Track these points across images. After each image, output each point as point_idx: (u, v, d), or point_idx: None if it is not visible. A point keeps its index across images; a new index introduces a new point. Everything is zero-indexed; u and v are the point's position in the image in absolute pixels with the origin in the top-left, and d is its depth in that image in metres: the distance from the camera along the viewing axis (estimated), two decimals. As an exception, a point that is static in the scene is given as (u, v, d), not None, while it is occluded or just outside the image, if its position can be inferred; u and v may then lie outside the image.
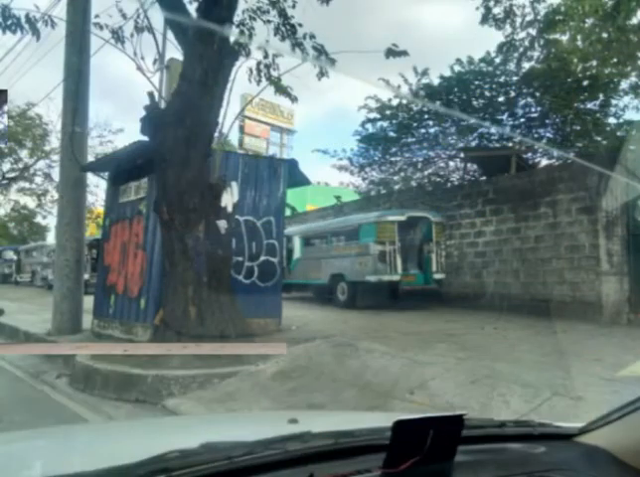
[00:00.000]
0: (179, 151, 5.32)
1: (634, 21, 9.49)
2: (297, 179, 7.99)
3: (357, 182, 16.30)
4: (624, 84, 11.75)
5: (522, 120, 12.90)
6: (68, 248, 7.44)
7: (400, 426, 0.94)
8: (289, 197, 8.80)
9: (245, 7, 7.16)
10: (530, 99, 12.48)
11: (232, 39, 6.06)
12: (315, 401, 4.12)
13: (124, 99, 64.46)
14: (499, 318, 8.16)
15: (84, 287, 7.83)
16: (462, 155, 13.56)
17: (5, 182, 25.07)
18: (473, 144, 13.38)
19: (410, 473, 0.94)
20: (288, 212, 13.89)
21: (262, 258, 7.28)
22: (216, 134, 6.13)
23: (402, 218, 10.20)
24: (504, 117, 12.95)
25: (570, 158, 10.95)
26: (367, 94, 16.30)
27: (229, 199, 5.81)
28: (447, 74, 12.52)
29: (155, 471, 0.85)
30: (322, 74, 6.78)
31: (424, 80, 12.83)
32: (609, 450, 1.15)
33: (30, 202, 27.28)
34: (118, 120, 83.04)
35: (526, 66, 11.81)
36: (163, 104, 6.08)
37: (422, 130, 13.73)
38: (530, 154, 12.90)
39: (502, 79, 12.38)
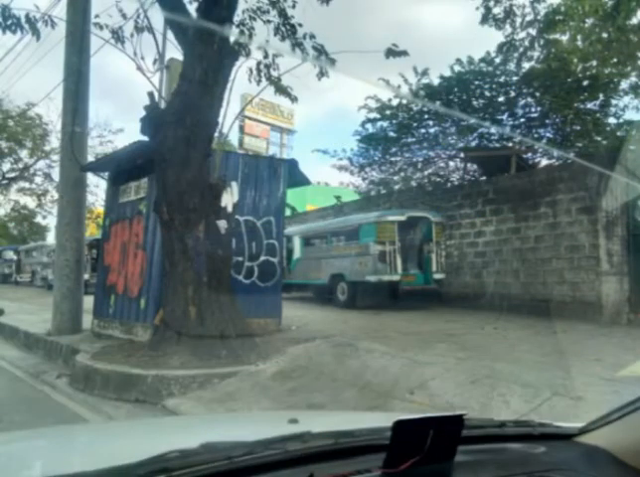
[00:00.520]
0: (179, 151, 5.31)
1: (634, 21, 9.48)
2: (297, 179, 7.99)
3: (357, 182, 16.32)
4: (624, 84, 11.75)
5: (522, 120, 12.90)
6: (68, 248, 7.43)
7: (400, 426, 0.94)
8: (289, 197, 8.80)
9: (245, 7, 7.15)
10: (530, 99, 12.47)
11: (232, 39, 6.05)
12: (315, 401, 4.11)
13: (124, 99, 64.64)
14: (499, 318, 8.16)
15: (84, 287, 7.83)
16: (462, 155, 13.55)
17: (5, 182, 25.06)
18: (473, 144, 13.37)
19: (410, 473, 0.94)
20: (288, 212, 13.90)
21: (262, 258, 7.28)
22: (216, 134, 6.12)
23: (402, 218, 10.20)
24: (504, 117, 12.95)
25: (570, 158, 10.95)
26: (367, 94, 16.34)
27: (229, 199, 5.80)
28: (447, 74, 12.53)
29: (155, 471, 0.85)
30: (322, 74, 6.77)
31: (424, 80, 12.84)
32: (609, 450, 1.15)
33: (30, 202, 27.32)
34: (118, 120, 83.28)
35: (526, 66, 11.81)
36: (163, 104, 6.08)
37: (422, 130, 13.72)
38: (530, 154, 12.90)
39: (502, 80, 12.37)
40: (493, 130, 13.22)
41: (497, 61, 12.05)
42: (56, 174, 21.73)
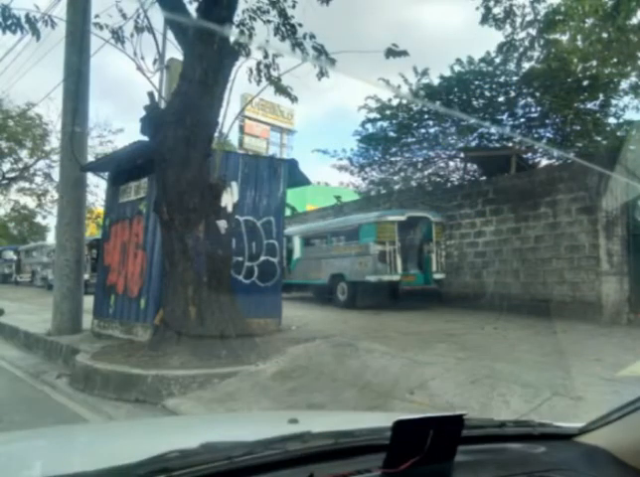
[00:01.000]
0: (179, 151, 5.31)
1: (634, 21, 9.48)
2: (297, 179, 7.99)
3: (357, 182, 16.33)
4: (624, 84, 11.75)
5: (522, 120, 12.89)
6: (68, 248, 7.43)
7: (400, 426, 0.94)
8: (289, 197, 8.80)
9: (245, 7, 7.15)
10: (530, 99, 12.47)
11: (232, 39, 6.05)
12: (315, 401, 4.11)
13: (124, 99, 64.65)
14: (499, 318, 8.16)
15: (84, 287, 7.83)
16: (462, 155, 13.55)
17: (5, 182, 25.07)
18: (473, 144, 13.37)
19: (410, 473, 0.94)
20: (288, 212, 13.90)
21: (262, 258, 7.28)
22: (216, 134, 6.12)
23: (402, 218, 10.21)
24: (504, 117, 12.95)
25: (570, 158, 10.95)
26: (367, 94, 16.33)
27: (229, 199, 5.79)
28: (447, 74, 12.52)
29: (155, 471, 0.85)
30: (322, 74, 6.77)
31: (424, 81, 12.84)
32: (609, 450, 1.15)
33: (30, 202, 27.32)
34: (118, 120, 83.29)
35: (526, 66, 11.81)
36: (163, 104, 6.08)
37: (422, 130, 13.72)
38: (530, 154, 12.89)
39: (502, 80, 12.37)
40: (493, 130, 13.23)
41: (497, 61, 12.05)
42: (56, 174, 21.76)
